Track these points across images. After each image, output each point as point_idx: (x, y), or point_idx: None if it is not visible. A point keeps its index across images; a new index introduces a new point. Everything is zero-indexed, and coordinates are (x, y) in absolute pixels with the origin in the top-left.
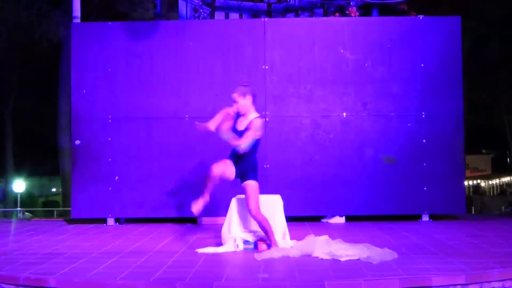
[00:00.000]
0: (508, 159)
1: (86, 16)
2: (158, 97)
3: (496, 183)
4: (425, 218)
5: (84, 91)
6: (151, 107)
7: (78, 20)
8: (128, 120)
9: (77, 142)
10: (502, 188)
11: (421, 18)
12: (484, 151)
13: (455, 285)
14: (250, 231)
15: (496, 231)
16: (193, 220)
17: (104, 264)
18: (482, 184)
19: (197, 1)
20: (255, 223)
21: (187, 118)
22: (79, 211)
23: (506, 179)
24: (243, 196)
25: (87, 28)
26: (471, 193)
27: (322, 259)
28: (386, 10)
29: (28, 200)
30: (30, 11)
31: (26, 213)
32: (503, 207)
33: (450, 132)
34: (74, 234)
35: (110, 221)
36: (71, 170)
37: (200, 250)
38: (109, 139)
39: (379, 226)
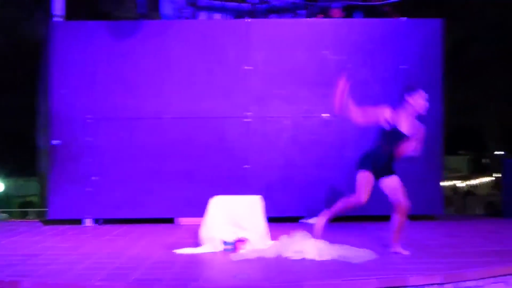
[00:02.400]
0: (486, 160)
1: (67, 14)
2: (139, 97)
3: (473, 183)
4: None
5: (64, 90)
6: (132, 107)
7: (58, 19)
8: (108, 120)
9: (56, 142)
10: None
11: (403, 20)
12: (461, 152)
13: (432, 284)
14: (229, 232)
15: (472, 231)
16: (171, 221)
17: (81, 266)
18: (459, 184)
19: (180, 1)
20: (234, 223)
21: (168, 119)
22: (56, 211)
23: (482, 180)
24: (222, 196)
25: (68, 27)
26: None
27: (302, 258)
28: (368, 12)
29: (5, 201)
30: (9, 9)
31: (2, 214)
32: (479, 208)
33: (430, 133)
34: (51, 235)
35: (88, 222)
36: (49, 170)
37: (178, 251)
38: (89, 139)
39: (359, 226)
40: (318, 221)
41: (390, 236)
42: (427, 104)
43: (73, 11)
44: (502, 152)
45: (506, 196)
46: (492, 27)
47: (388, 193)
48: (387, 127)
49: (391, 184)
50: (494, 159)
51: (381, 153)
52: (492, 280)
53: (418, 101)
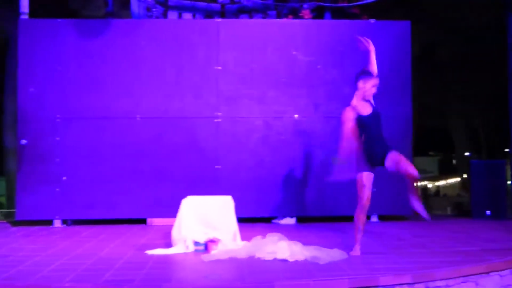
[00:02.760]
0: (454, 161)
1: (34, 12)
2: (109, 96)
3: (443, 184)
4: (374, 218)
5: (32, 89)
6: (101, 106)
7: (26, 16)
8: (78, 119)
9: (23, 141)
10: (447, 190)
11: (372, 22)
12: (431, 153)
13: (402, 284)
14: (201, 232)
15: (442, 231)
16: (143, 221)
17: (50, 267)
18: (429, 185)
19: (150, 0)
20: (205, 224)
21: (138, 119)
22: (25, 212)
23: (452, 180)
24: (194, 196)
25: (36, 25)
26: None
27: (274, 259)
28: (338, 13)
29: None
30: None
31: None
32: (449, 208)
33: (399, 134)
34: (19, 236)
35: (57, 223)
36: (16, 170)
37: (150, 252)
38: (58, 138)
39: (330, 227)
40: (355, 252)
41: (409, 193)
42: (373, 89)
43: (40, 9)
44: (468, 154)
45: (474, 197)
46: (456, 31)
47: (394, 169)
48: (355, 121)
49: (392, 160)
50: (462, 160)
51: (366, 145)
52: (461, 279)
53: (367, 85)
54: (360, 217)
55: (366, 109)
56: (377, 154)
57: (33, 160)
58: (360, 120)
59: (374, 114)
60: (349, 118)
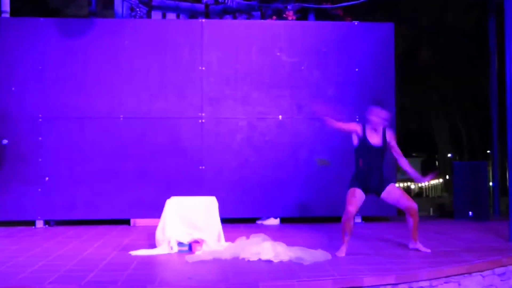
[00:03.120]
0: (437, 162)
1: (15, 11)
2: (92, 96)
3: (425, 185)
4: (358, 219)
5: (13, 88)
6: (84, 106)
7: (7, 15)
8: (60, 119)
9: (5, 141)
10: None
11: (356, 24)
12: (414, 154)
13: (386, 285)
14: (185, 233)
15: (424, 232)
16: (126, 222)
17: (32, 268)
18: (412, 186)
19: (133, 0)
20: (189, 225)
21: (121, 119)
22: (6, 213)
23: (434, 181)
24: (178, 197)
25: (17, 24)
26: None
27: (258, 260)
28: (322, 15)
29: None
30: None
31: None
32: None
33: None
34: (0, 237)
35: (39, 224)
36: None
37: (133, 253)
38: (40, 138)
39: (314, 227)
40: (340, 252)
41: (410, 235)
42: (379, 121)
43: (22, 8)
44: (450, 155)
45: (456, 198)
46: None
47: (393, 203)
48: (356, 142)
49: (391, 194)
50: (445, 162)
51: (361, 168)
52: (444, 280)
53: (372, 117)
54: (344, 222)
55: (374, 139)
56: (372, 185)
57: (15, 160)
58: (364, 145)
59: (381, 147)
60: (351, 125)
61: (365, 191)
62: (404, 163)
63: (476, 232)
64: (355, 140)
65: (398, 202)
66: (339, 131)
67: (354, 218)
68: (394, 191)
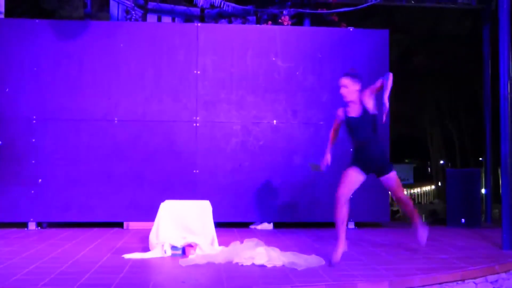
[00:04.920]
0: (429, 169)
1: (10, 11)
2: (87, 98)
3: (418, 191)
4: (351, 225)
5: (8, 89)
6: (79, 108)
7: (1, 16)
8: (55, 121)
9: None
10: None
11: (351, 30)
12: (407, 160)
13: None
14: (178, 237)
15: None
16: (119, 225)
17: (25, 270)
18: (405, 192)
19: (129, 3)
20: (183, 228)
21: (116, 121)
22: None
23: (427, 188)
24: (172, 201)
25: (12, 24)
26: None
27: (252, 264)
28: (317, 21)
29: None
30: None
31: None
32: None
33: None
34: None
35: (32, 225)
36: None
37: (127, 256)
38: (34, 140)
39: (307, 233)
40: (335, 257)
41: (411, 221)
42: (348, 91)
43: (16, 9)
44: (442, 162)
45: (449, 205)
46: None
47: (387, 188)
48: (343, 120)
49: (389, 181)
50: (437, 168)
51: (354, 147)
52: (437, 286)
53: (341, 89)
54: (335, 210)
55: (353, 111)
56: (373, 164)
57: (8, 161)
58: (347, 123)
59: (361, 117)
60: (337, 116)
61: (365, 170)
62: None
63: (469, 239)
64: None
65: (393, 192)
66: (337, 131)
67: (347, 204)
68: (393, 180)
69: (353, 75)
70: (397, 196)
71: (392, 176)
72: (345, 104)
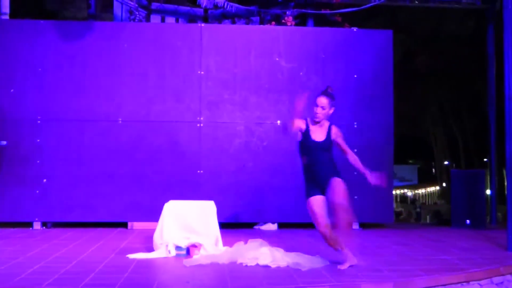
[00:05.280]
0: (433, 169)
1: (14, 12)
2: (90, 99)
3: (422, 192)
4: (355, 226)
5: (12, 90)
6: (83, 109)
7: (6, 17)
8: (59, 121)
9: (3, 142)
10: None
11: (355, 30)
12: (411, 161)
13: None
14: (182, 237)
15: (421, 240)
16: (123, 225)
17: (30, 270)
18: (409, 193)
19: (132, 4)
20: (187, 229)
21: (120, 122)
22: (3, 214)
23: (431, 188)
24: (176, 201)
25: (16, 25)
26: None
27: (256, 265)
28: (321, 21)
29: None
30: None
31: None
32: (428, 216)
33: (380, 142)
34: None
35: (36, 225)
36: None
37: (131, 256)
38: (38, 140)
39: (311, 233)
40: (345, 264)
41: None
42: (321, 112)
43: (21, 9)
44: (446, 162)
45: (454, 206)
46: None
47: (330, 198)
48: (300, 137)
49: (332, 187)
50: (441, 169)
51: (307, 167)
52: None
53: (314, 107)
54: (327, 241)
55: (317, 134)
56: (321, 176)
57: (13, 161)
58: (306, 141)
59: (322, 144)
60: (295, 122)
61: (321, 191)
62: (353, 160)
63: (474, 241)
64: (299, 136)
65: (333, 198)
66: (286, 132)
67: (330, 228)
68: (335, 185)
69: (332, 97)
70: (335, 202)
71: (335, 184)
72: (307, 119)
